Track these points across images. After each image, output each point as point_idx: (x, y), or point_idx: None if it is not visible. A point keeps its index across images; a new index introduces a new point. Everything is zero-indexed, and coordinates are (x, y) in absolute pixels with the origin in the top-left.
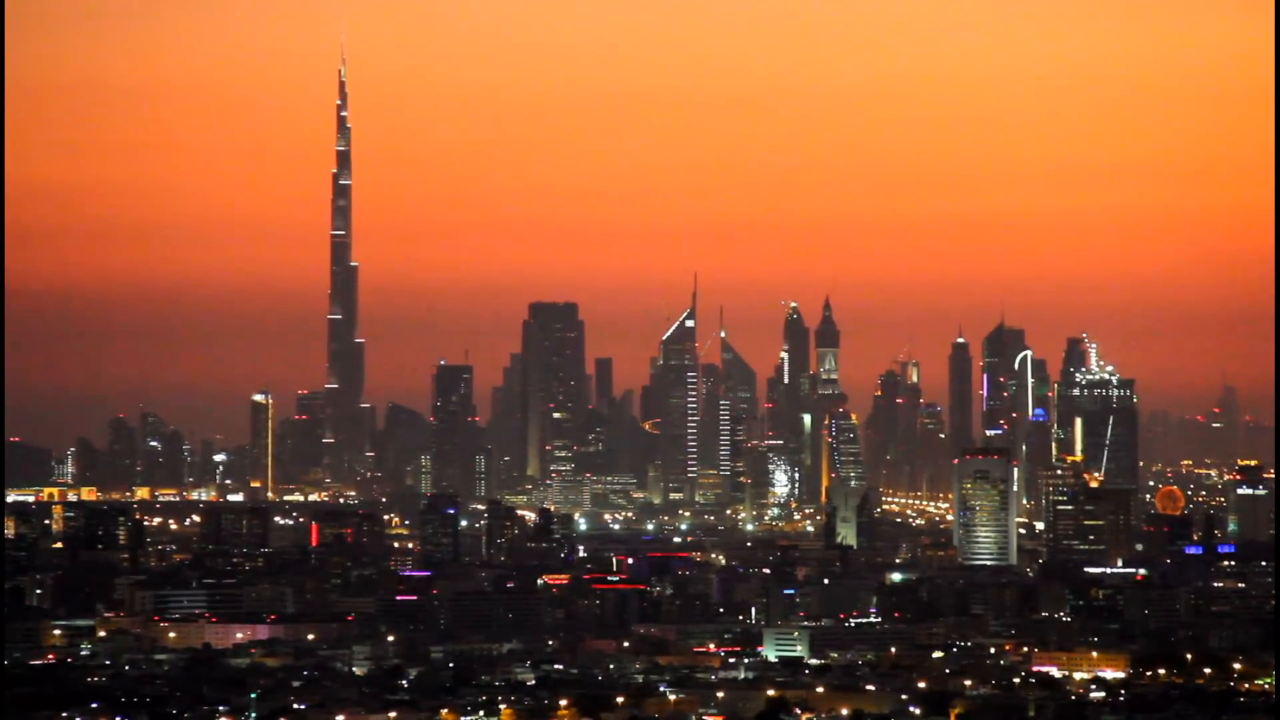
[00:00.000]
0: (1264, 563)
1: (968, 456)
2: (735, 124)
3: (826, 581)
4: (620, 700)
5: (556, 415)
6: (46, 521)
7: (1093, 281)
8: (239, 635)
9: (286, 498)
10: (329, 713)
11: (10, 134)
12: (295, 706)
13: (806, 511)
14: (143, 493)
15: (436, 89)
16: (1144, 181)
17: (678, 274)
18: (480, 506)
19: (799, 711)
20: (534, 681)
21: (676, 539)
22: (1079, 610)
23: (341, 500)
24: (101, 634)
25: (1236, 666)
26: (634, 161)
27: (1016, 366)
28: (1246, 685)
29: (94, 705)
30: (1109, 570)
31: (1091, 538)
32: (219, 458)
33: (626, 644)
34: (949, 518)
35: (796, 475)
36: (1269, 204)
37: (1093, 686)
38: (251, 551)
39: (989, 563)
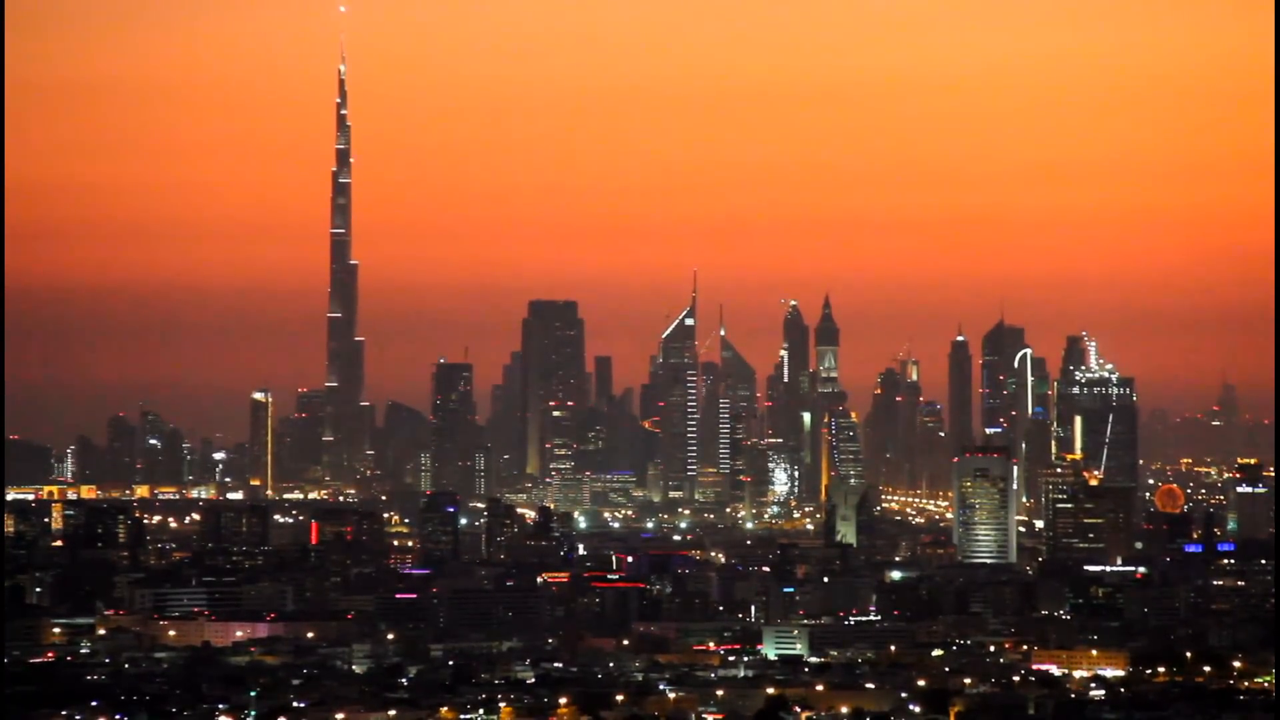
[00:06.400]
0: (1263, 561)
1: (967, 454)
2: (735, 123)
3: (826, 580)
4: (620, 698)
5: (556, 413)
6: (46, 519)
7: (1092, 280)
8: (239, 633)
9: (286, 496)
10: (328, 711)
11: (10, 134)
12: (295, 704)
13: (806, 510)
14: (142, 491)
15: (436, 87)
16: (1144, 179)
17: (677, 272)
18: (480, 505)
19: (799, 710)
20: (534, 680)
21: (676, 537)
22: (1079, 608)
23: (341, 498)
24: (101, 632)
25: (1236, 665)
26: (634, 160)
27: (1016, 365)
28: (1246, 684)
29: (94, 703)
30: (1108, 568)
31: (1091, 536)
32: (219, 456)
33: (626, 642)
34: (949, 516)
35: (796, 473)
36: (1269, 202)
37: (1092, 685)
38: (251, 550)
39: (989, 561)
